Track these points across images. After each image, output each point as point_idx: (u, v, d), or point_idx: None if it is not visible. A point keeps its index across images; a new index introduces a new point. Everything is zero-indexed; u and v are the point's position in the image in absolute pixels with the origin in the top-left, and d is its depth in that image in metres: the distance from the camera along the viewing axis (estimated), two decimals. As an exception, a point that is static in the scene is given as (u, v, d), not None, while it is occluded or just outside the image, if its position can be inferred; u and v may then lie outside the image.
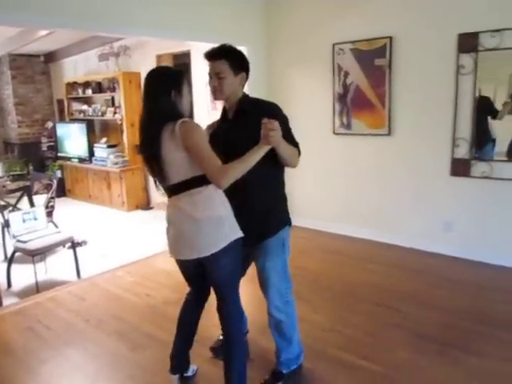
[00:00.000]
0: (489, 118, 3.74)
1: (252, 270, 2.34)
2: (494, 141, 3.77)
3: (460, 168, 3.95)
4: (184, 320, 2.30)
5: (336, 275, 3.83)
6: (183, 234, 1.96)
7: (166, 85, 1.94)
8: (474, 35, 3.67)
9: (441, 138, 4.01)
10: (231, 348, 2.10)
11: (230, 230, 1.96)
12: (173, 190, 1.98)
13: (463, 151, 3.90)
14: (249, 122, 2.08)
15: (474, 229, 3.96)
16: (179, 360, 2.32)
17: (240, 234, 2.00)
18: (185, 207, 1.94)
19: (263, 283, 2.25)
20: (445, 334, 2.81)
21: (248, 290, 2.65)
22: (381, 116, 4.33)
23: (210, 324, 2.67)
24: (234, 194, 2.01)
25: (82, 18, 3.44)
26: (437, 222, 4.16)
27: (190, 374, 2.41)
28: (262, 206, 2.16)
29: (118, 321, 3.12)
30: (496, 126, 3.73)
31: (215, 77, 2.09)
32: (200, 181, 1.92)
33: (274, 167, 2.14)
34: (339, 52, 4.50)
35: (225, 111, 2.25)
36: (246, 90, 5.28)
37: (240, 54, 2.15)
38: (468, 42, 3.72)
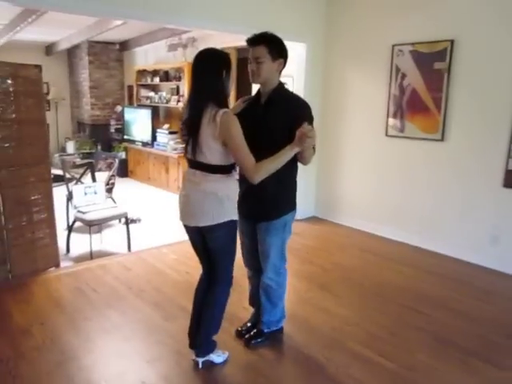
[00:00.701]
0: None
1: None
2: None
3: (514, 180, 3.81)
4: (198, 298, 2.45)
5: (368, 274, 3.86)
6: (190, 203, 2.22)
7: (216, 65, 2.11)
8: (541, 43, 3.52)
9: (496, 148, 3.88)
10: (212, 299, 2.35)
11: (227, 211, 2.19)
12: (194, 164, 2.21)
13: (519, 163, 3.76)
14: (277, 112, 2.29)
15: (523, 244, 3.81)
16: (194, 336, 2.43)
17: (236, 216, 2.25)
18: (198, 181, 2.19)
19: (262, 255, 2.52)
20: (468, 343, 2.78)
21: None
22: (435, 121, 4.25)
23: (241, 306, 2.85)
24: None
25: (152, 11, 3.71)
26: (483, 233, 4.03)
27: None
28: (272, 191, 2.35)
29: (157, 292, 3.37)
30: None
31: (254, 61, 2.26)
32: (220, 170, 2.15)
33: (289, 160, 2.25)
34: (398, 53, 4.46)
35: (258, 94, 2.41)
36: (302, 83, 5.40)
37: (279, 42, 2.29)
38: (534, 50, 3.57)
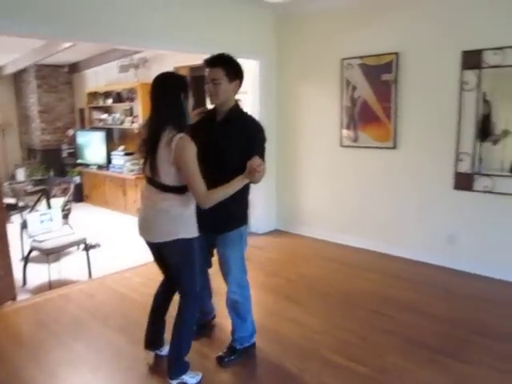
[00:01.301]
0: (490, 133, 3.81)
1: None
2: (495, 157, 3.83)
3: (463, 182, 4.01)
4: (155, 301, 2.61)
5: (334, 282, 3.92)
6: (145, 219, 2.31)
7: (175, 87, 2.17)
8: (478, 52, 3.76)
9: (445, 152, 4.08)
10: (181, 319, 2.37)
11: (179, 229, 2.23)
12: (151, 182, 2.26)
13: (466, 166, 3.97)
14: (232, 132, 2.38)
15: (476, 242, 4.00)
16: (151, 336, 2.61)
17: (192, 235, 2.27)
18: (153, 199, 2.25)
19: (223, 268, 2.57)
20: (437, 342, 2.87)
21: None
22: (387, 130, 4.43)
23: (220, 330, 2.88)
24: None
25: (103, 32, 3.67)
26: (440, 234, 4.21)
27: (163, 353, 2.62)
28: (227, 206, 2.35)
29: (124, 318, 3.27)
30: (498, 143, 3.80)
31: (211, 82, 2.34)
32: (175, 190, 2.20)
33: None
34: (348, 67, 4.63)
35: (215, 111, 2.48)
36: (257, 100, 5.48)
37: (235, 63, 2.38)
38: (472, 59, 3.81)
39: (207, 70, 2.35)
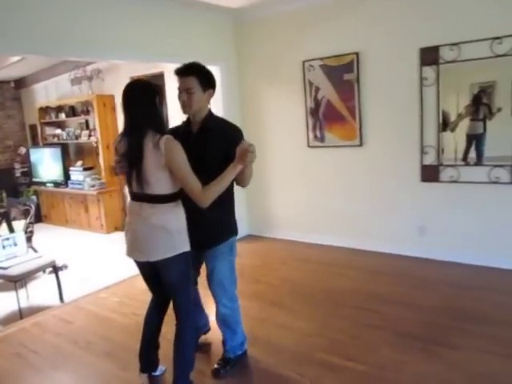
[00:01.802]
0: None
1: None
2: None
3: (429, 174, 4.15)
4: (148, 323, 2.49)
5: (315, 283, 3.94)
6: (138, 238, 2.17)
7: (149, 94, 2.10)
8: (435, 49, 3.91)
9: (410, 147, 4.21)
10: (182, 339, 2.29)
11: (178, 243, 2.15)
12: (138, 197, 2.16)
13: (431, 158, 4.11)
14: (211, 139, 2.32)
15: (447, 230, 4.15)
16: (146, 360, 2.50)
17: (188, 248, 2.20)
18: (145, 214, 2.13)
19: (212, 283, 2.49)
20: (424, 332, 2.95)
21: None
22: (352, 128, 4.52)
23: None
24: (191, 205, 2.18)
25: (52, 44, 3.50)
26: (411, 226, 4.34)
27: (157, 373, 2.57)
28: (215, 216, 2.33)
29: (107, 341, 3.13)
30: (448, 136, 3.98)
31: (185, 92, 2.26)
32: (167, 199, 2.12)
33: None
34: (309, 68, 4.68)
35: (188, 123, 2.41)
36: (220, 106, 5.43)
37: (208, 72, 2.33)
38: (429, 56, 3.96)
39: (179, 79, 2.28)
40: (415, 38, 4.01)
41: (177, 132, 2.36)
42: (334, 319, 3.22)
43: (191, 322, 2.32)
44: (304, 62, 4.71)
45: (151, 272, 2.28)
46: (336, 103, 4.57)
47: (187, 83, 2.25)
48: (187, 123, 2.42)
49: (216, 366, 2.62)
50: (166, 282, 2.25)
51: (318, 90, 4.68)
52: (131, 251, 2.23)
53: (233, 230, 2.53)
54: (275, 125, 5.10)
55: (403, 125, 4.23)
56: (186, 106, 2.29)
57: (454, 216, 4.09)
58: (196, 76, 2.26)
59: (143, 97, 2.09)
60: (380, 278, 3.93)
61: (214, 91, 2.38)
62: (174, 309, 2.31)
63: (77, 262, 5.18)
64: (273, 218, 5.36)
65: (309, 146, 4.87)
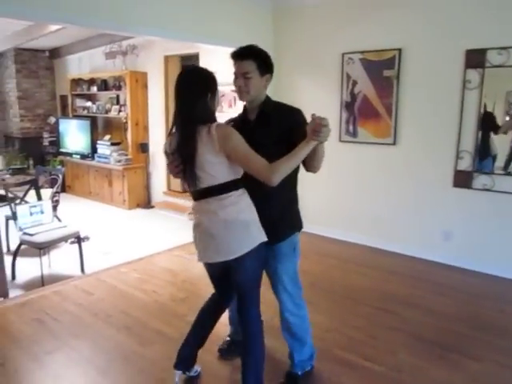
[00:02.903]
0: (491, 133, 3.85)
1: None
2: (494, 156, 3.89)
3: (462, 180, 4.05)
4: (202, 320, 2.32)
5: (335, 278, 3.91)
6: (212, 237, 1.99)
7: (203, 87, 1.96)
8: (482, 51, 3.78)
9: (445, 150, 4.11)
10: (250, 348, 2.12)
11: (256, 234, 2.00)
12: (202, 194, 2.00)
13: (466, 163, 4.01)
14: (271, 124, 2.15)
15: (473, 239, 4.06)
16: (186, 357, 2.33)
17: (265, 238, 2.02)
18: (215, 210, 1.97)
19: (276, 286, 2.28)
20: (444, 339, 2.90)
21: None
22: (387, 126, 4.43)
23: (219, 323, 2.74)
24: (252, 195, 2.05)
25: (92, 16, 3.47)
26: (437, 231, 4.25)
27: (192, 374, 2.41)
28: (277, 207, 2.17)
29: (127, 316, 3.17)
30: (497, 141, 3.85)
31: (241, 77, 2.09)
32: (230, 187, 1.97)
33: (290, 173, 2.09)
34: (348, 61, 4.59)
35: (245, 111, 2.26)
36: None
37: (267, 56, 2.16)
38: (475, 58, 3.83)
39: (235, 63, 2.13)
40: (462, 38, 3.88)
41: (233, 122, 2.27)
42: (352, 317, 3.19)
43: (259, 327, 2.14)
44: (343, 54, 4.61)
45: (223, 271, 2.11)
46: (373, 99, 4.48)
47: (244, 67, 2.07)
48: (244, 111, 2.27)
49: (281, 382, 2.39)
50: (240, 280, 2.07)
51: (355, 83, 4.59)
52: (205, 254, 2.05)
53: (295, 225, 2.30)
54: (307, 115, 5.02)
55: (440, 127, 4.13)
56: (242, 92, 2.12)
57: (482, 225, 3.99)
58: (253, 59, 2.08)
59: (195, 88, 1.95)
60: (400, 280, 3.87)
61: (271, 76, 2.18)
62: (242, 312, 2.13)
63: (98, 234, 5.24)
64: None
65: (340, 140, 4.79)
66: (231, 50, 2.17)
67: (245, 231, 1.97)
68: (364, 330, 3.01)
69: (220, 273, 2.15)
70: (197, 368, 2.44)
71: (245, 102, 2.24)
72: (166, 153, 2.07)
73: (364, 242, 4.73)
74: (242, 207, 1.98)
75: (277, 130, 2.12)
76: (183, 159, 1.95)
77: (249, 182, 2.00)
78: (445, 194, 4.18)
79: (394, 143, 4.41)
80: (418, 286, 3.75)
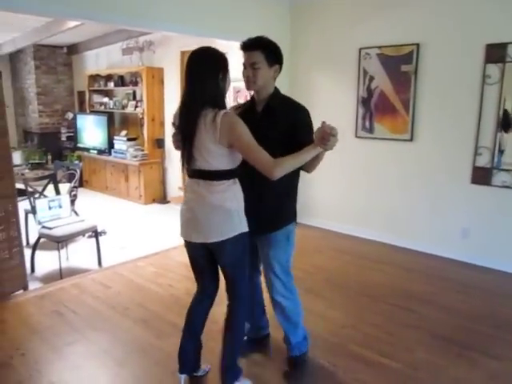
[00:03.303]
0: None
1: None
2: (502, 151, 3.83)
3: (481, 176, 3.99)
4: (190, 322, 2.30)
5: (350, 274, 3.90)
6: (196, 217, 2.04)
7: (214, 66, 1.96)
8: (503, 46, 3.71)
9: (463, 146, 4.06)
10: (234, 318, 2.19)
11: (238, 224, 2.05)
12: (195, 174, 2.05)
13: (485, 160, 3.95)
14: (277, 118, 2.19)
15: (491, 236, 4.00)
16: (187, 361, 2.30)
17: (246, 229, 2.08)
18: (203, 192, 2.02)
19: (267, 271, 2.36)
20: (462, 337, 2.87)
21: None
22: (404, 121, 4.38)
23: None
24: (251, 186, 2.10)
25: (109, 11, 3.50)
26: (455, 228, 4.20)
27: (200, 374, 2.39)
28: (275, 200, 2.25)
29: (144, 309, 3.20)
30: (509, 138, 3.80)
31: (250, 67, 2.14)
32: (224, 175, 2.01)
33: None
34: (365, 56, 4.55)
35: (253, 101, 2.29)
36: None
37: (276, 47, 2.18)
38: (496, 53, 3.76)
39: (244, 53, 2.17)
40: (482, 33, 3.81)
41: (240, 109, 2.30)
42: (368, 313, 3.18)
43: (243, 307, 2.20)
44: (360, 49, 4.57)
45: (203, 254, 2.14)
46: (390, 94, 4.44)
47: (252, 57, 2.12)
48: (251, 102, 2.31)
49: (285, 370, 2.47)
50: (222, 264, 2.14)
51: (372, 79, 4.54)
52: (187, 231, 2.10)
53: (291, 216, 2.37)
54: (323, 110, 4.92)
55: (458, 123, 4.07)
56: (250, 82, 2.17)
57: (500, 222, 3.94)
58: (262, 50, 2.11)
59: (206, 68, 1.95)
60: (416, 277, 3.84)
61: (280, 67, 2.22)
62: (228, 291, 2.19)
63: (114, 229, 5.31)
64: (312, 205, 5.29)
65: (356, 136, 4.76)
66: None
67: (227, 219, 2.01)
68: (380, 326, 2.99)
69: (201, 253, 2.15)
70: (205, 368, 2.43)
71: (252, 92, 2.27)
72: (174, 124, 2.11)
73: (378, 239, 4.70)
74: (229, 196, 2.02)
75: (281, 124, 2.16)
76: (183, 137, 2.00)
77: (249, 172, 2.02)
78: (462, 191, 4.12)
79: (411, 139, 4.37)
80: (434, 284, 3.72)
